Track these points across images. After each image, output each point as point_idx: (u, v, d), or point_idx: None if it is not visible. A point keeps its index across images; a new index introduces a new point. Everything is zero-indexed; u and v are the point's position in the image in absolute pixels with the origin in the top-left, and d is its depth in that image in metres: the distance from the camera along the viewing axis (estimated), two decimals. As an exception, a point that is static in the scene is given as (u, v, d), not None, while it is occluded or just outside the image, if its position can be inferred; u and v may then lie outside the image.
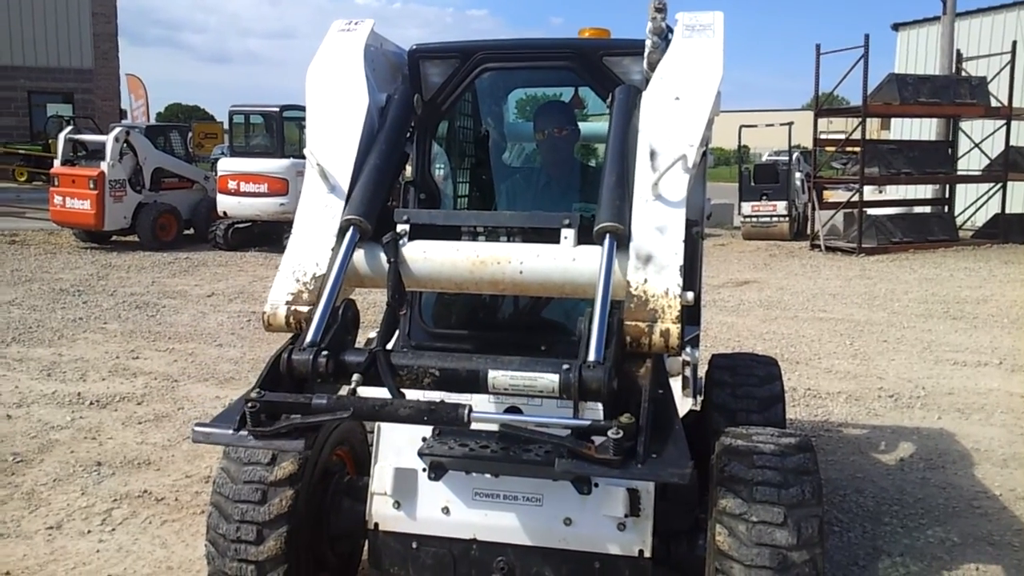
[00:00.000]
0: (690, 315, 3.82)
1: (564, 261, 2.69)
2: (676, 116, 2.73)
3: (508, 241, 3.15)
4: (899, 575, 3.98)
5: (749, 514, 2.78)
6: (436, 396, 2.56)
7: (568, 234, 2.75)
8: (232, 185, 15.38)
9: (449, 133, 3.98)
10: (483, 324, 3.69)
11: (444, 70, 3.43)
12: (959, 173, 18.64)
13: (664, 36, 2.98)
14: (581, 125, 4.14)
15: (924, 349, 8.51)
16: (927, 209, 19.15)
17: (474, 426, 3.10)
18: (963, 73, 19.02)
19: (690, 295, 2.55)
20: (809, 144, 19.29)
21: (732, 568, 2.76)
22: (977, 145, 18.17)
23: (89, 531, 4.40)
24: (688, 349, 3.86)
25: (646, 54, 2.99)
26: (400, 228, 2.82)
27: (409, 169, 3.58)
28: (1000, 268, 14.20)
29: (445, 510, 3.11)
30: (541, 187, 3.99)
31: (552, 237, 2.78)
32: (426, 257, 2.77)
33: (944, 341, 8.85)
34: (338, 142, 2.88)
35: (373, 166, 2.80)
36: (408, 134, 3.36)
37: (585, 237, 2.68)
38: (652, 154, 2.67)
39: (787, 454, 2.95)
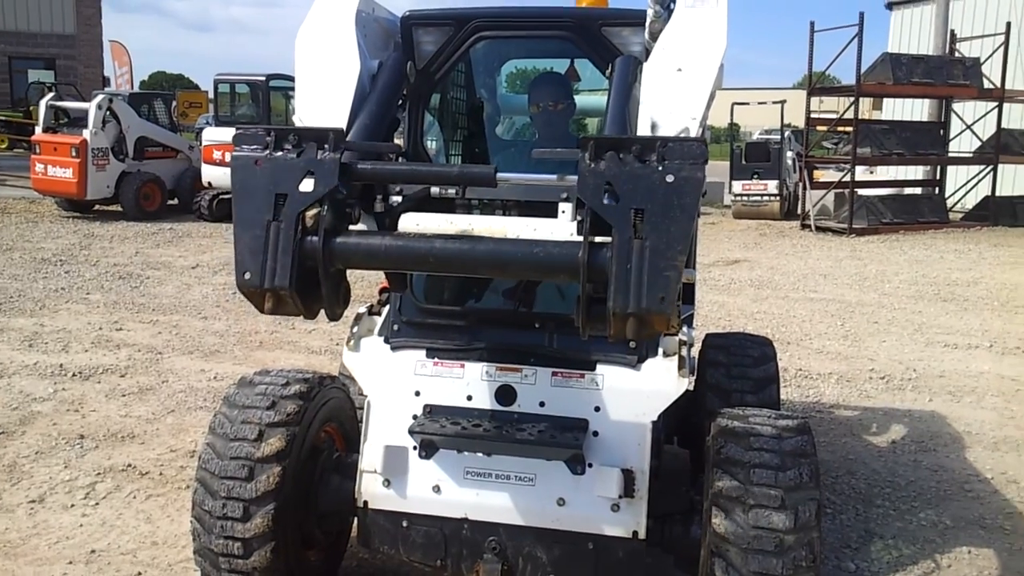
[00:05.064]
0: (685, 294, 3.76)
1: (561, 235, 2.61)
2: (678, 88, 2.64)
3: (504, 215, 3.07)
4: (891, 558, 3.96)
5: (746, 497, 2.75)
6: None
7: (566, 208, 2.68)
8: (217, 155, 15.13)
9: (442, 104, 3.89)
10: (475, 299, 3.62)
11: (438, 38, 3.33)
12: (950, 155, 18.62)
13: (667, 6, 2.89)
14: (575, 99, 4.05)
15: (915, 331, 8.50)
16: (918, 190, 19.15)
17: (467, 405, 3.08)
18: (957, 54, 18.95)
19: (689, 273, 2.49)
20: (801, 123, 19.21)
21: (728, 551, 2.72)
22: (969, 127, 18.13)
23: (72, 505, 4.32)
24: (684, 328, 3.81)
25: (648, 24, 2.91)
26: (392, 199, 2.73)
27: (400, 140, 3.49)
28: (990, 251, 14.22)
29: (436, 488, 3.06)
30: (535, 161, 3.90)
31: (549, 211, 2.71)
32: (419, 229, 2.69)
33: (935, 323, 8.85)
34: (329, 110, 2.77)
35: (362, 125, 2.70)
36: (400, 103, 3.27)
37: (582, 210, 2.61)
38: (653, 126, 2.59)
39: (785, 436, 2.91)
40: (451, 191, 2.92)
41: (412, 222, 2.72)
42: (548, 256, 2.27)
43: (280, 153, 2.29)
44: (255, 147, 2.32)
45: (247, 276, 2.26)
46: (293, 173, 2.27)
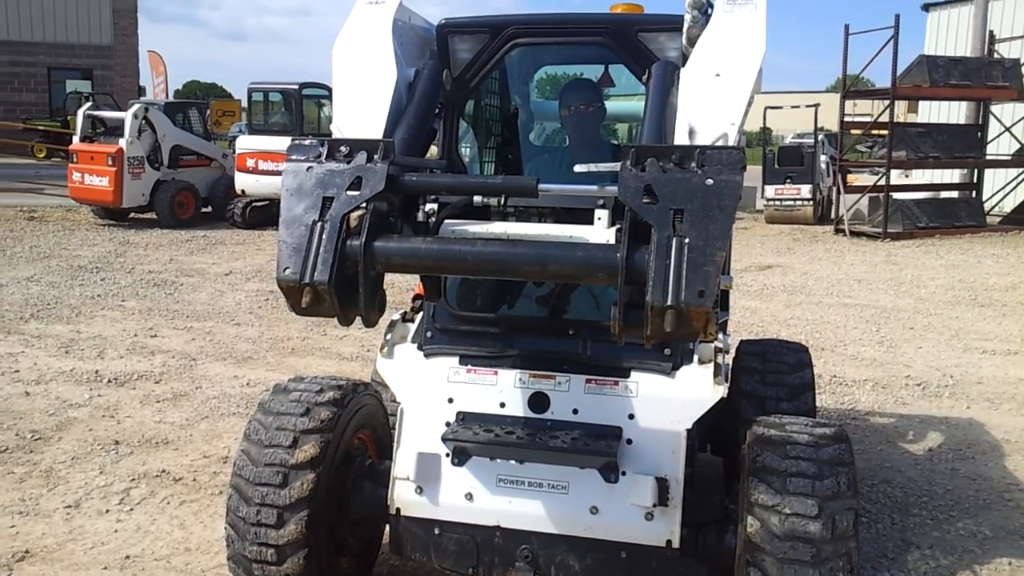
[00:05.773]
0: (720, 300, 3.72)
1: (598, 240, 2.59)
2: (717, 93, 2.61)
3: (539, 222, 3.07)
4: (929, 568, 3.89)
5: (782, 506, 2.71)
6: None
7: (602, 215, 2.66)
8: (250, 163, 15.34)
9: (476, 111, 3.89)
10: (509, 306, 3.62)
11: (473, 45, 3.34)
12: (988, 157, 18.29)
13: (704, 10, 2.87)
14: (606, 104, 4.04)
15: (952, 337, 8.35)
16: (954, 194, 18.83)
17: (500, 412, 3.07)
18: (995, 55, 18.60)
19: (725, 279, 2.47)
20: (834, 127, 18.98)
21: (764, 561, 2.69)
22: (1008, 129, 17.80)
23: (107, 510, 4.38)
24: (719, 335, 3.77)
25: (685, 29, 2.89)
26: (429, 207, 2.73)
27: (435, 148, 3.50)
28: (1028, 255, 13.95)
29: (468, 496, 3.05)
30: (567, 167, 3.89)
31: (585, 218, 2.70)
32: (455, 237, 2.69)
33: (972, 329, 8.68)
34: (366, 118, 2.79)
35: (401, 140, 2.71)
36: (436, 112, 3.28)
37: (619, 218, 2.59)
38: (691, 132, 2.56)
39: (822, 445, 2.87)
40: (491, 200, 2.93)
41: (448, 230, 2.73)
42: (588, 257, 2.29)
43: (332, 162, 2.38)
44: (308, 156, 2.41)
45: (287, 271, 2.29)
46: (342, 177, 2.36)
